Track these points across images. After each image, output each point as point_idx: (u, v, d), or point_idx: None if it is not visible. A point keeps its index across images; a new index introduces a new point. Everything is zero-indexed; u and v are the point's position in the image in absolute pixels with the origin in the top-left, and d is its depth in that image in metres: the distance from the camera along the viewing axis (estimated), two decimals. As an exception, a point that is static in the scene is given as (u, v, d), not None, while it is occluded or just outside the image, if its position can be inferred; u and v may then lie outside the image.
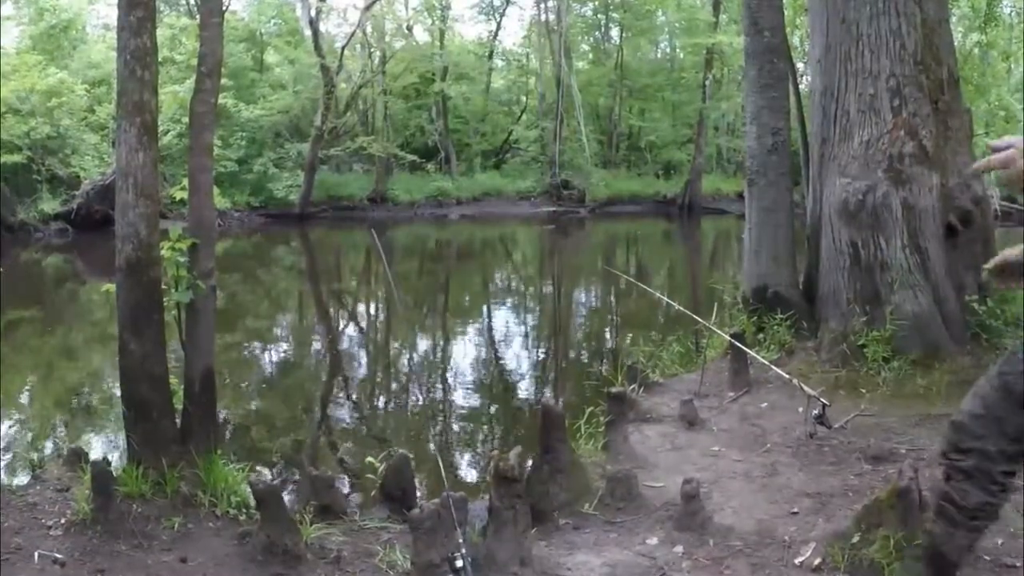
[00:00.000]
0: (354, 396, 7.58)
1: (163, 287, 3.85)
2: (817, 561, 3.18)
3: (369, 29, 28.88)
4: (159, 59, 3.91)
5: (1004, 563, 3.10)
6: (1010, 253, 2.51)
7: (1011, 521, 3.40)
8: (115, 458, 4.69)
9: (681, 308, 6.72)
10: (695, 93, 33.16)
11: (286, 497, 3.82)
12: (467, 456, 5.91)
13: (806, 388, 4.83)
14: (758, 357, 5.60)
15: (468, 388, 7.88)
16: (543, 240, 23.92)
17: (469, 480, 5.31)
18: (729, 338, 5.74)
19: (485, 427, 6.57)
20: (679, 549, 3.39)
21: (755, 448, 4.55)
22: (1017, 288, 5.12)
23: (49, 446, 5.93)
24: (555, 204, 29.60)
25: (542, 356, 9.56)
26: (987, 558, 3.12)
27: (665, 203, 30.57)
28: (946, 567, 2.71)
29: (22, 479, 4.13)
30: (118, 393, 3.96)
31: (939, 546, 2.68)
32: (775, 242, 6.47)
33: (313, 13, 26.28)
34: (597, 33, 37.58)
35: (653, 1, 32.83)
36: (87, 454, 4.14)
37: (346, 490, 4.86)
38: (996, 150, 2.30)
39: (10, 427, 6.30)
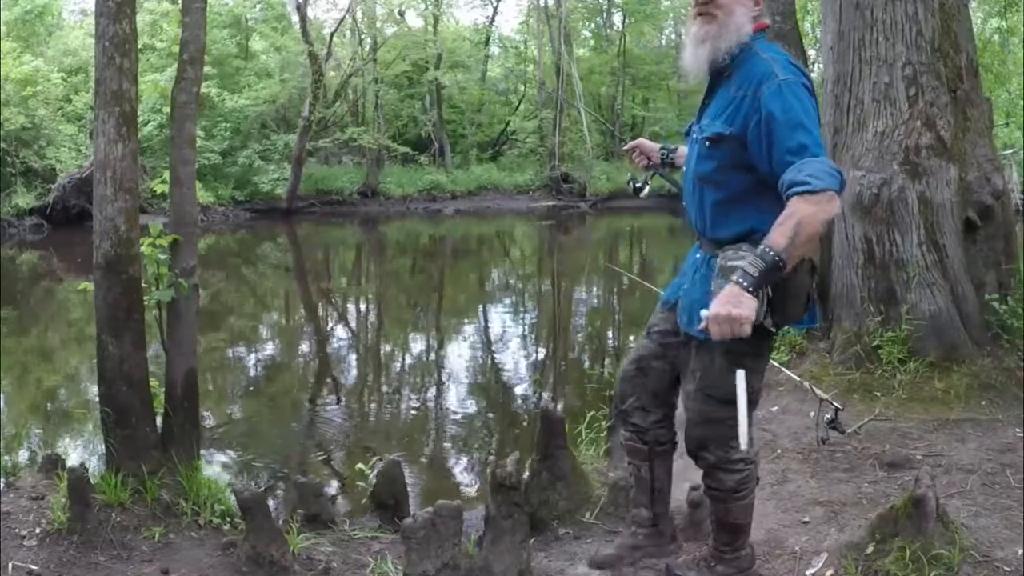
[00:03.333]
0: (344, 400, 7.58)
1: (143, 286, 3.84)
2: (829, 573, 3.18)
3: (359, 14, 28.90)
4: (139, 46, 3.91)
5: (1025, 574, 3.11)
6: None
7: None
8: (93, 465, 4.69)
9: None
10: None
11: (272, 506, 3.82)
12: (463, 463, 5.92)
13: (818, 391, 4.83)
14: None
15: (463, 392, 7.89)
16: (542, 236, 23.93)
17: (465, 488, 5.31)
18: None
19: (481, 432, 6.57)
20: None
21: (764, 454, 4.54)
22: None
23: (24, 452, 5.93)
24: (555, 198, 29.60)
25: (541, 358, 9.56)
26: (1007, 569, 3.12)
27: (670, 197, 30.49)
28: None
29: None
30: (96, 397, 3.95)
31: None
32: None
33: (301, -2, 26.27)
34: (599, 19, 37.59)
35: (658, -15, 32.87)
36: (63, 461, 4.13)
37: (335, 498, 4.86)
38: None
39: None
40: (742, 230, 2.76)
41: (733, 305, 2.41)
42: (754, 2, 2.78)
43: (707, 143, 2.80)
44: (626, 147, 3.58)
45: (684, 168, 3.05)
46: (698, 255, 2.94)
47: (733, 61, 2.76)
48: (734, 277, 2.46)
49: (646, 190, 3.50)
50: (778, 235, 2.45)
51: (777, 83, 2.62)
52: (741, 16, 2.75)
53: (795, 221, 2.43)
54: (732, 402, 2.65)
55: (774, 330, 2.74)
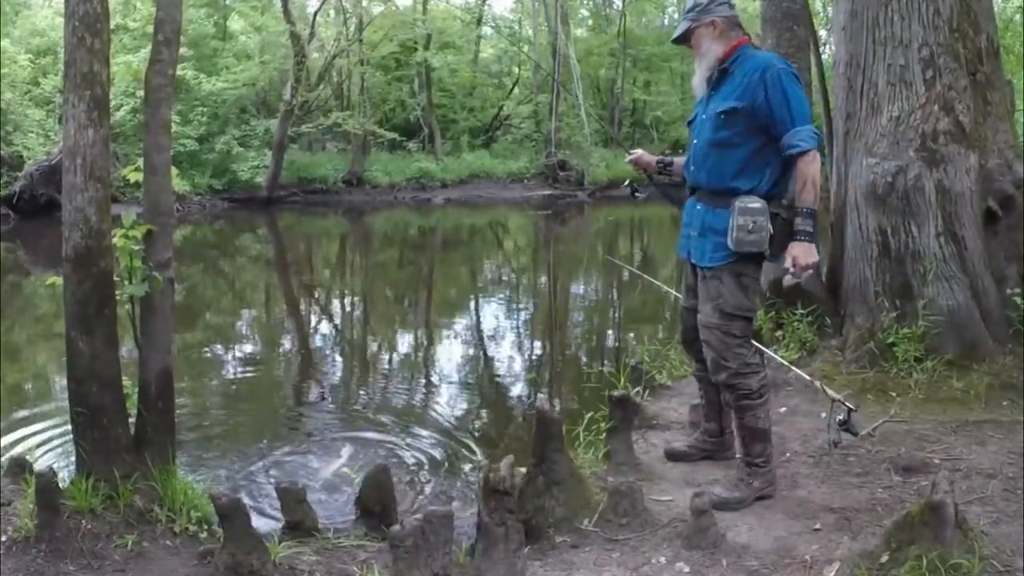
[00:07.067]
0: (328, 401, 7.58)
1: (115, 279, 3.83)
2: (841, 582, 3.19)
3: (344, -8, 28.80)
4: (111, 26, 3.89)
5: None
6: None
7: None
8: (62, 469, 4.68)
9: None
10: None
11: (252, 512, 3.81)
12: (454, 467, 5.91)
13: (830, 391, 4.83)
14: (776, 357, 5.61)
15: (455, 391, 7.89)
16: (538, 227, 23.93)
17: (456, 494, 5.31)
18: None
19: (474, 435, 6.57)
20: (688, 569, 3.40)
21: (773, 458, 4.55)
22: None
23: (-12, 456, 5.91)
24: (551, 187, 29.62)
25: (537, 356, 9.57)
26: (1029, 579, 3.13)
27: (673, 186, 30.51)
28: None
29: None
30: (66, 397, 3.94)
31: None
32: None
33: (282, -26, 26.19)
34: (598, -3, 37.55)
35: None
36: (31, 464, 4.12)
37: (319, 505, 4.85)
38: None
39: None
40: (748, 183, 3.88)
41: (812, 257, 3.75)
42: (716, 33, 3.99)
43: (722, 116, 3.91)
44: (628, 159, 4.70)
45: (694, 142, 4.12)
46: (699, 207, 4.08)
47: (732, 64, 3.95)
48: (802, 238, 3.75)
49: (642, 196, 4.78)
50: (806, 195, 3.77)
51: (777, 70, 3.84)
52: (707, 44, 4.02)
53: (810, 182, 3.75)
54: (739, 316, 3.93)
55: (769, 258, 3.92)
